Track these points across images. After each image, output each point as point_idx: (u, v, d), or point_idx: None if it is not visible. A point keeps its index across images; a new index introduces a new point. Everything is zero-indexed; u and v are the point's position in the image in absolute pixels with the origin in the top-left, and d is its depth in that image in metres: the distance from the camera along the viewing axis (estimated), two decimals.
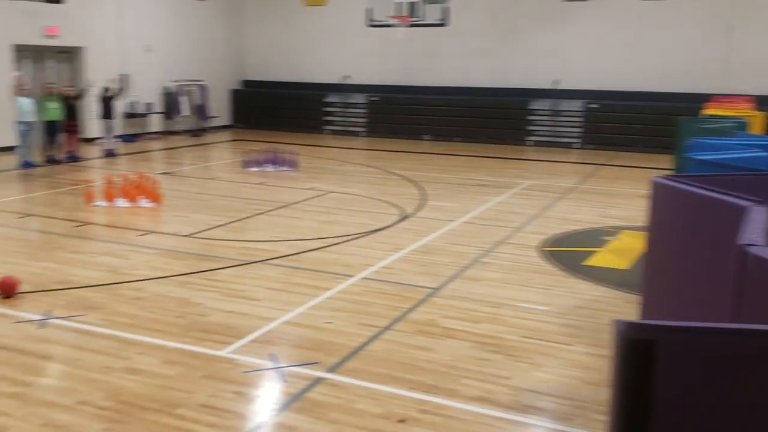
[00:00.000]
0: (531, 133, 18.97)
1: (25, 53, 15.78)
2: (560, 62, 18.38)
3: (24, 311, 5.70)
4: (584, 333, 5.50)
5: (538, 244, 8.17)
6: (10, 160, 13.56)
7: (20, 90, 12.89)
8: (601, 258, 7.75)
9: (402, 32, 16.34)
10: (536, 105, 18.84)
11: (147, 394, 4.30)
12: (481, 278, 6.85)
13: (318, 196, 11.03)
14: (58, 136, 13.91)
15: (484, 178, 13.04)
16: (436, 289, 6.46)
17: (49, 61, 16.56)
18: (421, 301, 6.10)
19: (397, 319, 5.65)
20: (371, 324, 5.55)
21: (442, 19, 17.07)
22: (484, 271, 7.08)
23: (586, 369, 4.83)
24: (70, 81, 14.37)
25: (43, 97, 13.52)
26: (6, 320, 5.51)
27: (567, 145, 18.45)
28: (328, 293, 6.32)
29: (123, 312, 5.75)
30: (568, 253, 7.88)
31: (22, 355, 4.86)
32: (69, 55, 16.99)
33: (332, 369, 4.73)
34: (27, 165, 13.06)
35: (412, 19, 16.33)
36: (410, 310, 5.88)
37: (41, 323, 5.43)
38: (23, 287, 6.18)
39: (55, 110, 13.59)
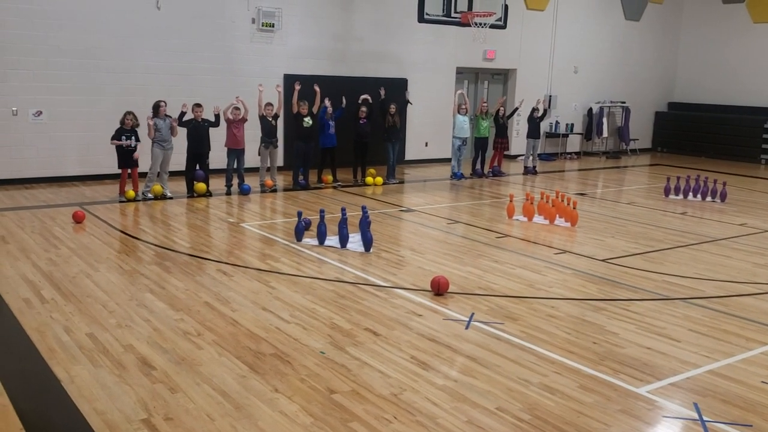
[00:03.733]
0: None
1: (465, 75, 17.41)
2: None
3: (452, 310, 6.21)
4: None
5: None
6: (444, 171, 15.10)
7: (459, 108, 14.24)
8: None
9: None
10: None
11: (563, 416, 4.28)
12: None
13: (751, 234, 9.84)
14: (486, 152, 15.04)
15: None
16: None
17: (483, 82, 18.01)
18: None
19: None
20: None
21: None
22: None
23: None
24: (502, 102, 15.37)
25: (478, 115, 14.72)
26: (437, 316, 6.07)
27: None
28: (764, 348, 5.54)
29: (539, 327, 5.86)
30: None
31: (450, 351, 5.28)
32: (502, 76, 18.23)
33: None
34: (457, 176, 14.37)
35: None
36: None
37: (466, 324, 5.85)
38: (452, 288, 6.75)
39: (486, 128, 14.69)
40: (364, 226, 8.23)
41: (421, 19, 13.45)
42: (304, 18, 14.43)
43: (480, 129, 14.62)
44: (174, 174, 11.67)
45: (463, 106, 14.24)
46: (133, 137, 10.76)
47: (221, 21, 13.50)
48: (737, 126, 19.42)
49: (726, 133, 19.60)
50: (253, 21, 13.84)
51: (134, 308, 6.07)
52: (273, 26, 13.95)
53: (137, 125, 10.85)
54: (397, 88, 15.30)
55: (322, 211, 8.59)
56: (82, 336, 5.38)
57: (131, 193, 10.87)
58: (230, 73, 13.61)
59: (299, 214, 8.73)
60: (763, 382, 4.88)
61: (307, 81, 12.95)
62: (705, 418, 4.30)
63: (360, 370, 4.86)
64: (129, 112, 10.82)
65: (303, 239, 8.58)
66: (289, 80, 14.05)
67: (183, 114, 11.17)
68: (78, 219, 9.33)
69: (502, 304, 6.46)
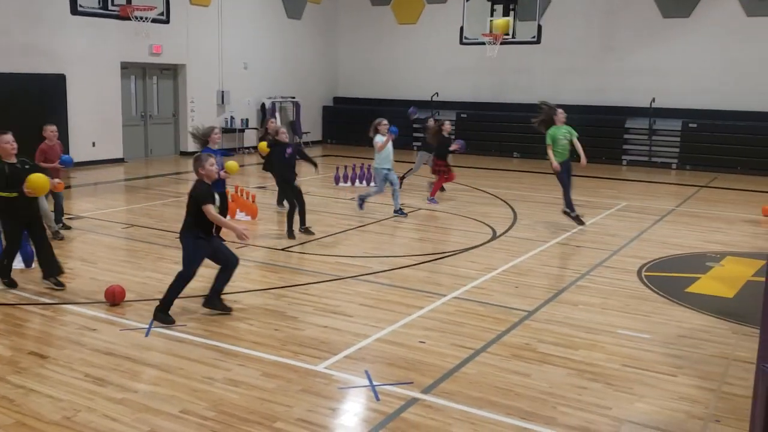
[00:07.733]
0: (626, 152, 18.53)
1: (131, 70, 16.63)
2: (658, 80, 17.85)
3: (130, 319, 5.95)
4: (688, 364, 5.25)
5: (637, 269, 7.89)
6: (117, 172, 14.28)
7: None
8: (704, 285, 7.39)
9: (494, 50, 16.26)
10: (632, 124, 18.36)
11: (247, 406, 4.39)
12: (577, 302, 6.67)
13: (409, 212, 11.05)
14: None
15: (577, 198, 12.72)
16: (531, 312, 6.33)
17: (152, 77, 17.39)
18: (516, 324, 5.98)
19: (492, 342, 5.57)
20: (464, 345, 5.48)
21: (535, 37, 16.93)
22: (580, 295, 6.89)
23: (692, 402, 4.61)
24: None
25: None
26: (114, 327, 5.76)
27: (664, 166, 17.85)
28: (420, 312, 6.30)
29: (222, 323, 5.91)
30: (669, 279, 7.57)
31: (129, 362, 5.06)
32: (171, 71, 17.78)
33: (427, 390, 4.69)
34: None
35: (504, 36, 16.24)
36: (505, 332, 5.78)
37: (146, 332, 5.65)
38: (129, 296, 6.45)
39: None
40: (23, 240, 7.41)
41: (74, 11, 12.51)
42: None
43: None
44: None
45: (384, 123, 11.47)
46: None
47: None
48: (393, 117, 21.50)
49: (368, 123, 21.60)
50: None
51: None
52: None
53: None
54: (52, 84, 14.08)
55: None
56: None
57: None
58: None
59: None
60: (420, 341, 5.56)
61: None
62: (375, 383, 4.76)
63: (25, 398, 4.42)
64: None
65: None
66: None
67: None
68: None
69: (185, 305, 6.35)
